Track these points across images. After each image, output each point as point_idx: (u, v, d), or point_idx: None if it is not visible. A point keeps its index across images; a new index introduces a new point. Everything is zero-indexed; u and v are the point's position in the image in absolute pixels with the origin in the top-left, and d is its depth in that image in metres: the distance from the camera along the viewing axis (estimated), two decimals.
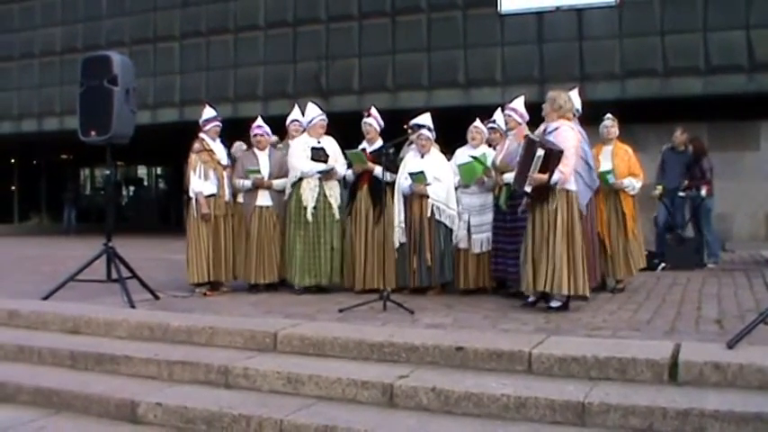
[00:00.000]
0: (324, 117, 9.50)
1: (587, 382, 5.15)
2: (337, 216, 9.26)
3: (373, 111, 9.51)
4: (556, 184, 7.29)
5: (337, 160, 9.31)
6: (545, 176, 7.24)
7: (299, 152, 9.25)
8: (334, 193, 9.30)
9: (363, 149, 9.23)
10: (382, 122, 9.44)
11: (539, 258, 7.39)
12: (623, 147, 9.47)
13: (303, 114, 9.74)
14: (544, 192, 7.36)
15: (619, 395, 4.88)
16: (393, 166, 9.04)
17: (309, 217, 9.12)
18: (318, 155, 9.13)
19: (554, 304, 7.50)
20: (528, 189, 7.36)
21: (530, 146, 7.43)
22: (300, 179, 9.18)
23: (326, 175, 9.19)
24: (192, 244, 9.24)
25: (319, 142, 9.31)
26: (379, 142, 9.29)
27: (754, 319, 5.70)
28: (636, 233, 9.28)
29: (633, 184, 9.22)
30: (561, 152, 7.26)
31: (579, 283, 7.32)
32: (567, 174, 7.32)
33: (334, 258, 9.24)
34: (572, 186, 7.45)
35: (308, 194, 9.17)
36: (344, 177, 9.46)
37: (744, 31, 15.51)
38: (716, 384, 4.97)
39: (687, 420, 4.57)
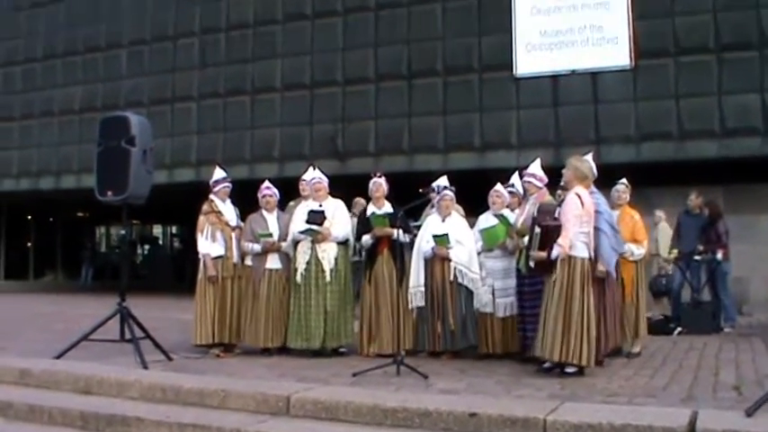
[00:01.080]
0: (318, 179, 9.48)
1: None
2: (329, 279, 9.13)
3: (382, 176, 9.57)
4: (557, 258, 7.34)
5: (333, 224, 9.22)
6: (544, 254, 7.37)
7: (298, 216, 9.28)
8: (327, 255, 9.18)
9: (385, 215, 9.18)
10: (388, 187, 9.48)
11: (552, 328, 7.37)
12: (630, 212, 9.44)
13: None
14: (546, 268, 7.41)
15: None
16: (408, 228, 9.04)
17: (299, 279, 9.10)
18: (314, 217, 9.07)
19: (569, 370, 7.44)
20: (532, 264, 7.46)
21: (532, 224, 7.57)
22: (298, 241, 9.19)
23: (316, 237, 9.12)
24: (199, 305, 9.23)
25: (321, 205, 9.28)
26: (387, 206, 9.33)
27: None
28: (635, 299, 9.19)
29: (632, 249, 9.17)
30: (559, 227, 7.33)
31: (584, 353, 7.27)
32: (565, 246, 7.35)
33: (328, 322, 9.10)
34: (577, 253, 7.45)
35: (300, 257, 9.16)
36: (358, 243, 9.42)
37: (758, 95, 15.54)
38: None
39: None
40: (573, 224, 7.43)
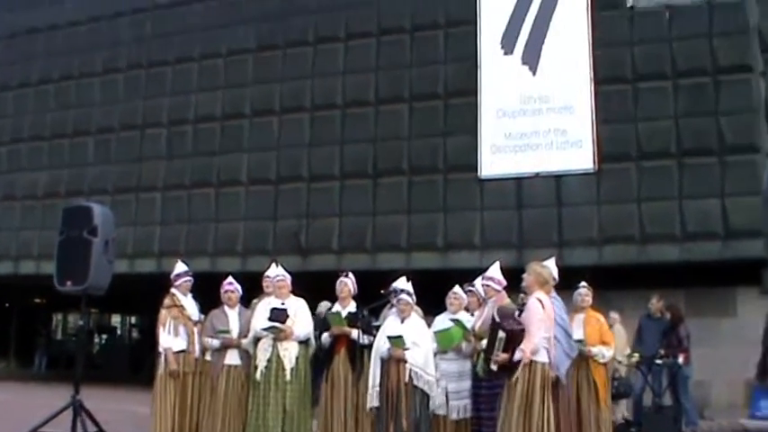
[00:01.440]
0: (281, 276, 9.47)
1: None
2: (289, 378, 9.03)
3: (350, 274, 9.55)
4: (519, 361, 7.33)
5: (295, 322, 9.15)
6: (506, 356, 7.37)
7: (260, 312, 9.22)
8: (288, 354, 9.09)
9: (338, 314, 9.17)
10: (356, 287, 9.44)
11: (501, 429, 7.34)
12: (595, 315, 9.49)
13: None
14: (509, 370, 7.38)
15: None
16: (369, 329, 8.98)
17: (258, 376, 8.99)
18: (277, 315, 9.00)
19: None
20: (494, 368, 7.42)
21: (494, 327, 7.53)
22: (258, 339, 9.11)
23: (279, 335, 9.04)
24: (158, 399, 9.09)
25: (283, 303, 9.23)
26: (353, 305, 9.29)
27: None
28: (607, 402, 9.19)
29: (603, 352, 9.20)
30: (522, 331, 7.35)
31: None
32: (527, 352, 7.35)
33: (286, 422, 8.96)
34: (539, 358, 7.45)
35: (261, 354, 9.07)
36: (316, 342, 9.36)
37: (719, 200, 15.76)
38: None
39: None
40: (537, 328, 7.44)
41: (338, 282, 9.48)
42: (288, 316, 9.09)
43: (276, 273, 9.56)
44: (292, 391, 9.05)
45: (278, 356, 9.06)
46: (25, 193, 23.20)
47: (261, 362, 9.05)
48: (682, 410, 12.12)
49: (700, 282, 15.54)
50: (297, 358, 9.15)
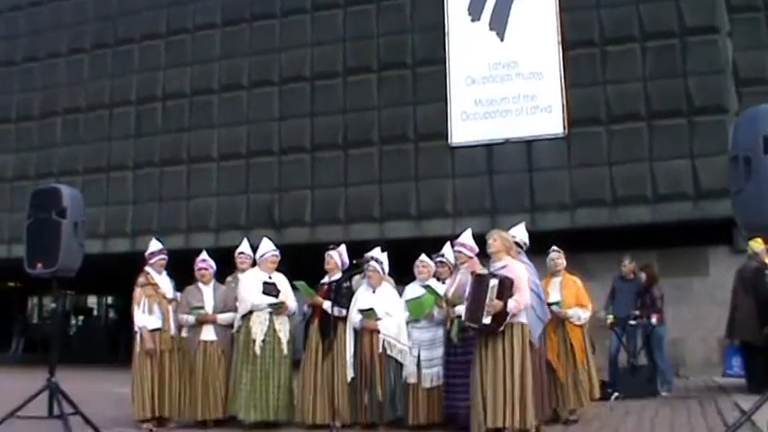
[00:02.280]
0: (276, 252, 9.56)
1: None
2: (285, 352, 9.16)
3: (341, 247, 9.56)
4: (507, 316, 7.35)
5: (287, 296, 9.26)
6: (500, 303, 7.32)
7: (249, 285, 9.22)
8: (283, 328, 9.24)
9: (321, 282, 9.20)
10: (346, 259, 9.44)
11: (492, 394, 7.35)
12: (572, 278, 9.56)
13: (251, 247, 9.81)
14: (500, 322, 7.38)
15: None
16: (344, 300, 9.00)
17: (258, 351, 9.03)
18: (269, 289, 9.10)
19: None
20: (487, 321, 7.37)
21: (481, 280, 7.51)
22: (250, 312, 9.11)
23: (277, 309, 9.13)
24: (137, 379, 9.11)
25: (270, 277, 9.29)
26: (339, 276, 9.29)
27: None
28: (585, 364, 9.25)
29: (579, 314, 9.28)
30: (512, 281, 7.38)
31: (528, 416, 7.30)
32: (521, 303, 7.42)
33: (280, 395, 9.08)
34: (524, 319, 7.51)
35: (258, 328, 9.11)
36: (304, 314, 9.42)
37: (689, 160, 15.83)
38: None
39: None
40: (526, 288, 7.53)
41: (325, 254, 9.49)
42: (279, 290, 9.16)
43: (269, 248, 9.58)
44: (286, 365, 9.21)
45: (274, 331, 9.16)
46: None
47: (258, 335, 9.10)
48: (657, 370, 12.22)
49: (672, 242, 15.68)
50: (289, 332, 9.30)
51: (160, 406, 9.14)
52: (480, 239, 8.69)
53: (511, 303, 7.40)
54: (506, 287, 7.39)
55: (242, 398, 9.03)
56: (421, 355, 8.80)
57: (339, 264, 9.40)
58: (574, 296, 9.34)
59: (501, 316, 7.40)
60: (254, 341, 9.08)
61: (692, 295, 15.73)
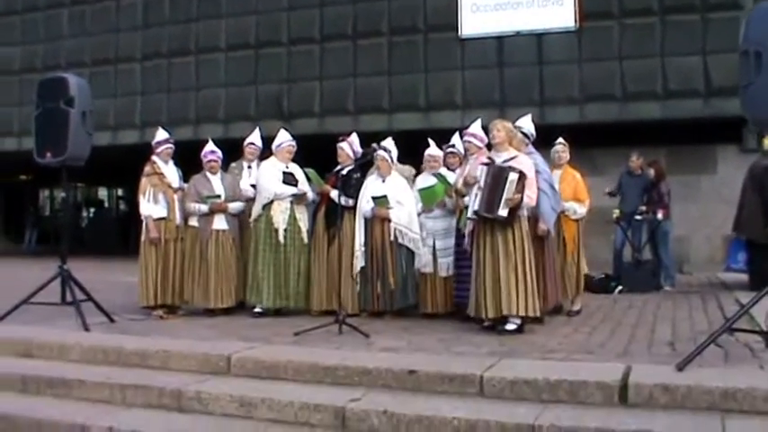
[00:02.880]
0: (293, 143, 9.58)
1: (538, 405, 5.19)
2: (305, 240, 9.28)
3: (353, 137, 9.55)
4: (520, 208, 7.45)
5: (306, 186, 9.33)
6: (519, 197, 7.38)
7: (270, 175, 9.26)
8: (303, 217, 9.34)
9: (332, 171, 9.22)
10: (358, 149, 9.43)
11: (495, 283, 7.45)
12: (572, 172, 9.50)
13: (261, 137, 9.84)
14: (514, 216, 7.45)
15: (569, 417, 4.91)
16: (352, 191, 9.03)
17: (281, 239, 9.13)
18: (289, 179, 9.15)
19: (509, 327, 7.54)
20: (504, 213, 7.41)
21: (501, 172, 7.49)
22: (272, 201, 9.18)
23: (298, 199, 9.21)
24: (142, 267, 9.22)
25: (287, 167, 9.33)
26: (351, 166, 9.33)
27: (705, 340, 5.77)
28: (575, 257, 9.28)
29: (574, 207, 9.25)
30: (527, 176, 7.44)
31: (533, 304, 7.42)
32: (533, 199, 7.51)
33: (300, 283, 9.25)
34: (524, 212, 7.60)
35: (280, 217, 9.18)
36: (312, 201, 9.50)
37: (701, 57, 15.68)
38: (665, 406, 5.01)
39: None
40: (534, 180, 7.60)
41: (337, 146, 9.50)
42: (298, 180, 9.22)
43: (287, 138, 9.62)
44: (306, 254, 9.33)
45: (294, 219, 9.26)
46: (1, 69, 22.83)
47: (281, 224, 9.19)
48: (661, 265, 12.32)
49: (681, 139, 15.63)
50: (308, 221, 9.40)
51: (164, 293, 9.25)
52: (488, 131, 8.68)
53: (526, 199, 7.47)
54: (523, 182, 7.43)
55: (264, 286, 9.15)
56: (436, 245, 8.86)
57: (351, 154, 9.38)
58: (572, 190, 9.30)
59: (516, 210, 7.46)
60: (277, 230, 9.17)
61: (700, 193, 15.77)
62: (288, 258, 9.19)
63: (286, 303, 9.23)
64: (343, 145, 9.41)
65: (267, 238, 9.20)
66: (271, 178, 9.26)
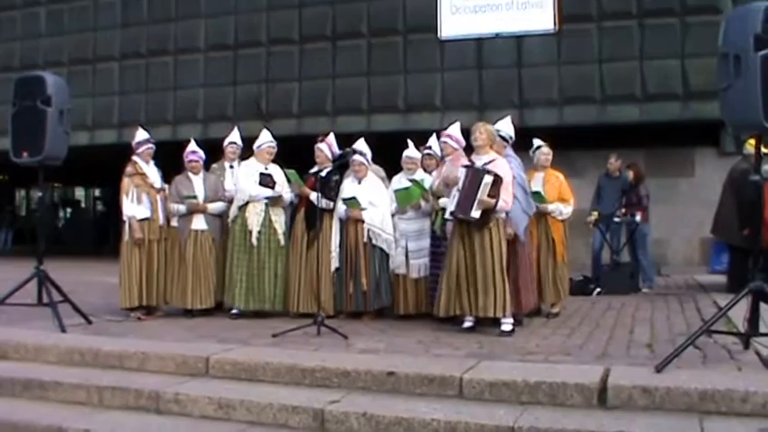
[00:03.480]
0: (273, 144, 9.55)
1: (518, 407, 5.18)
2: (282, 242, 9.25)
3: (330, 137, 9.53)
4: (494, 211, 7.45)
5: (283, 188, 9.28)
6: (493, 201, 7.38)
7: (247, 176, 9.24)
8: (279, 219, 9.29)
9: (297, 171, 9.20)
10: (337, 150, 9.41)
11: (471, 284, 7.48)
12: (555, 173, 9.54)
13: (241, 138, 9.82)
14: (487, 218, 7.47)
15: (548, 419, 4.91)
16: (330, 192, 9.02)
17: (254, 241, 9.11)
18: (266, 180, 9.10)
19: (505, 328, 7.57)
20: (476, 214, 7.44)
21: (476, 174, 7.52)
22: (247, 203, 9.16)
23: (273, 201, 9.17)
24: (125, 268, 9.16)
25: (266, 168, 9.29)
26: (329, 168, 9.30)
27: (683, 342, 5.79)
28: (565, 259, 9.34)
29: (560, 208, 9.29)
30: (502, 180, 7.44)
31: (506, 306, 7.45)
32: (508, 203, 7.51)
33: (278, 285, 9.21)
34: (502, 214, 7.61)
35: (254, 219, 9.16)
36: (291, 203, 9.46)
37: (679, 60, 15.77)
38: (644, 408, 5.03)
39: None
40: (511, 184, 7.59)
41: (315, 147, 9.47)
42: (275, 182, 9.17)
43: (267, 139, 9.58)
44: (282, 256, 9.28)
45: (270, 221, 9.20)
46: None
47: (255, 226, 9.16)
48: (639, 267, 12.38)
49: (659, 142, 15.72)
50: (285, 223, 9.35)
51: (148, 295, 9.21)
52: (468, 134, 8.68)
53: (501, 203, 7.48)
54: (498, 185, 7.45)
55: (240, 288, 9.13)
56: (408, 246, 8.88)
57: (329, 155, 9.37)
58: (556, 191, 9.34)
59: (489, 212, 7.48)
60: (251, 232, 9.14)
61: (678, 196, 15.85)
62: (261, 260, 9.16)
63: (260, 306, 9.18)
64: (322, 146, 9.40)
65: (241, 240, 9.19)
66: (247, 179, 9.24)
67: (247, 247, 9.15)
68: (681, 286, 12.90)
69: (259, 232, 9.15)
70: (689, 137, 15.63)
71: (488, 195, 7.42)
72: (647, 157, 15.39)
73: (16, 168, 8.52)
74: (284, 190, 9.32)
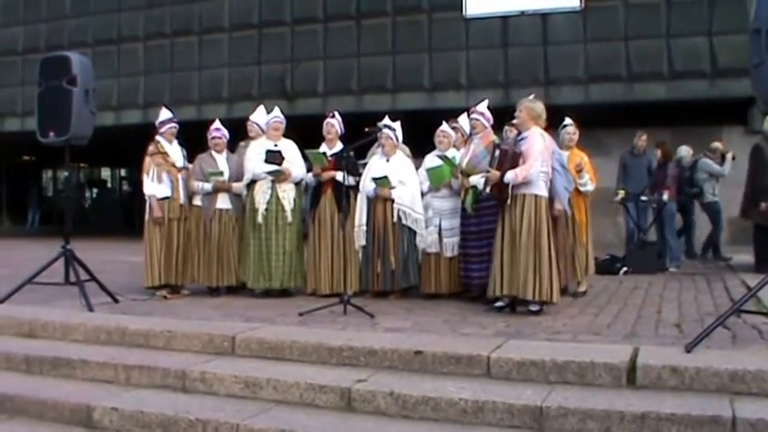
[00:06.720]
0: (279, 119, 9.43)
1: (546, 386, 5.15)
2: (290, 219, 9.16)
3: (336, 114, 9.50)
4: (507, 186, 7.36)
5: (293, 163, 9.21)
6: (498, 173, 7.32)
7: (253, 154, 9.21)
8: (287, 195, 9.18)
9: (324, 153, 9.16)
10: (343, 128, 9.39)
11: (507, 263, 7.42)
12: (579, 153, 9.44)
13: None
14: (504, 193, 7.39)
15: (577, 399, 4.87)
16: (354, 170, 8.98)
17: (260, 219, 9.08)
18: (273, 157, 9.02)
19: (533, 308, 7.51)
20: (486, 189, 7.41)
21: (494, 150, 7.51)
22: (254, 181, 9.14)
23: (279, 177, 9.09)
24: (147, 247, 9.16)
25: (276, 145, 9.24)
26: (339, 146, 9.25)
27: (713, 322, 5.73)
28: (584, 239, 9.24)
29: (587, 178, 9.19)
30: (518, 154, 7.34)
31: (544, 288, 7.34)
32: (519, 175, 7.33)
33: (286, 262, 9.16)
34: (541, 192, 7.48)
35: (260, 197, 9.12)
36: (304, 182, 9.42)
37: (706, 38, 15.63)
38: (674, 388, 4.97)
39: (644, 424, 4.57)
40: (535, 159, 7.44)
41: (324, 123, 9.43)
42: (283, 158, 9.11)
43: (273, 115, 9.52)
44: (292, 233, 9.22)
45: (277, 198, 9.16)
46: (4, 50, 22.78)
47: (261, 204, 9.13)
48: (666, 246, 12.28)
49: (686, 120, 15.56)
50: (294, 199, 9.28)
51: (167, 274, 9.22)
52: (492, 112, 8.62)
53: (508, 175, 7.35)
54: (507, 158, 7.37)
55: (250, 267, 9.15)
56: (442, 225, 8.79)
57: (338, 132, 9.36)
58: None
59: (499, 186, 7.41)
60: (257, 210, 9.13)
61: None
62: (269, 238, 9.12)
63: (272, 284, 9.15)
64: (334, 121, 9.36)
65: (250, 219, 9.19)
66: (253, 158, 9.22)
67: (255, 226, 9.15)
68: (709, 266, 12.80)
69: (266, 210, 9.12)
70: (716, 115, 15.49)
71: (498, 169, 7.38)
72: (674, 135, 15.24)
73: (43, 149, 8.53)
74: (294, 165, 9.23)
